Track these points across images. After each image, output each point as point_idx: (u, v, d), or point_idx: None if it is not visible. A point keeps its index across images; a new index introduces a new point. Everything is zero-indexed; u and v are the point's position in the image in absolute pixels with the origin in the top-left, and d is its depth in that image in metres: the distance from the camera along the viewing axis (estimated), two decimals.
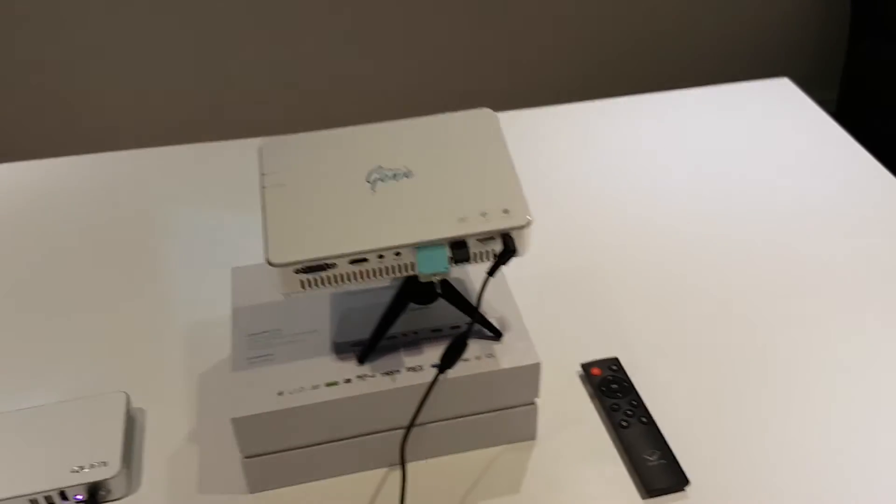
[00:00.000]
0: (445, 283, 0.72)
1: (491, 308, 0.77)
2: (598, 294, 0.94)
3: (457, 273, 0.81)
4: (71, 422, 0.75)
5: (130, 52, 2.17)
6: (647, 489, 0.72)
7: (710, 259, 0.98)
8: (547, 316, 0.91)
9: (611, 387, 0.81)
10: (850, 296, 0.92)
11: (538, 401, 0.76)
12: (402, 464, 0.64)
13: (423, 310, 0.77)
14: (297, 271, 0.64)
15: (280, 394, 0.69)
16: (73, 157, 1.18)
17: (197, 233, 1.03)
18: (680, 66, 2.49)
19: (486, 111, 0.75)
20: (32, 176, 1.14)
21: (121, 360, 0.87)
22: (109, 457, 0.72)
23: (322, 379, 0.70)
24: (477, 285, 0.80)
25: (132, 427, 0.79)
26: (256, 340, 0.74)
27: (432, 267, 0.64)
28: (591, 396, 0.82)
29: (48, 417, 0.76)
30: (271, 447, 0.70)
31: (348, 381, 0.70)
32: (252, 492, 0.73)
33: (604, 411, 0.80)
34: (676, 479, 0.73)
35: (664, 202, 1.07)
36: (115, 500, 0.73)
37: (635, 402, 0.79)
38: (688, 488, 0.73)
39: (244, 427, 0.68)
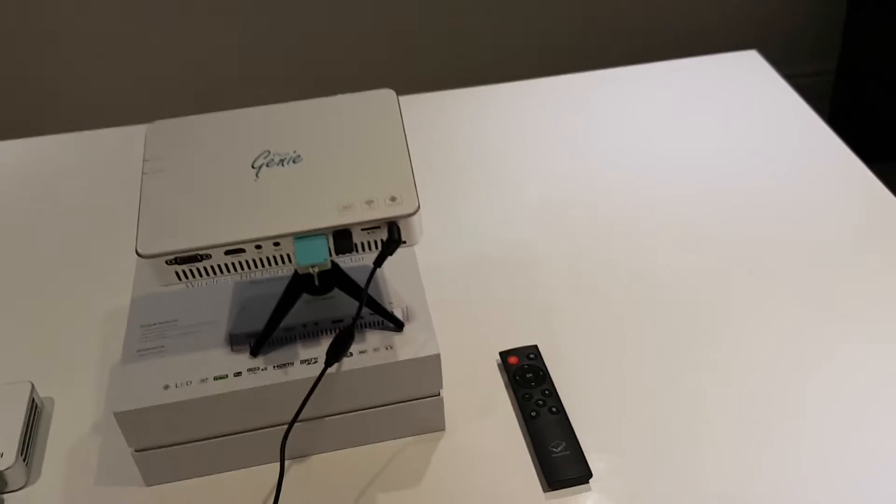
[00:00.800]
0: (339, 273, 0.70)
1: (397, 297, 0.75)
2: (525, 280, 0.91)
3: (355, 262, 0.78)
4: None
5: (111, 26, 2.15)
6: (549, 481, 0.70)
7: (647, 243, 0.95)
8: (471, 302, 0.89)
9: (526, 376, 0.79)
10: (786, 286, 0.88)
11: (450, 390, 0.74)
12: (282, 461, 0.63)
13: (326, 300, 0.75)
14: (170, 262, 0.62)
15: (166, 387, 0.68)
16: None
17: (128, 218, 1.02)
18: (667, 38, 2.42)
19: (387, 92, 0.72)
20: None
21: (36, 347, 0.86)
22: (6, 447, 0.72)
23: (212, 372, 0.69)
24: (388, 274, 0.78)
25: (37, 417, 0.78)
26: (150, 331, 0.73)
27: (311, 258, 0.62)
28: (507, 385, 0.80)
29: None
30: (159, 441, 0.69)
31: (238, 374, 0.69)
32: (148, 485, 0.72)
33: (516, 401, 0.77)
34: (579, 471, 0.70)
35: (606, 183, 1.03)
36: (12, 491, 0.72)
37: (548, 392, 0.77)
38: (592, 481, 0.71)
39: (127, 421, 0.67)
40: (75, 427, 0.78)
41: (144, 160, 0.67)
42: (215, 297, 0.76)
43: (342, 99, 0.72)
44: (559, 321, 0.86)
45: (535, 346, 0.82)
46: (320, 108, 0.71)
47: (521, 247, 0.96)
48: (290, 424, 0.64)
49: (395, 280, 0.77)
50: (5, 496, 0.71)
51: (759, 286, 0.88)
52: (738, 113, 1.13)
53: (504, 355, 0.81)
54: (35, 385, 0.80)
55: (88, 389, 0.81)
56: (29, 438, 0.75)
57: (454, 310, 0.88)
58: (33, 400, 0.77)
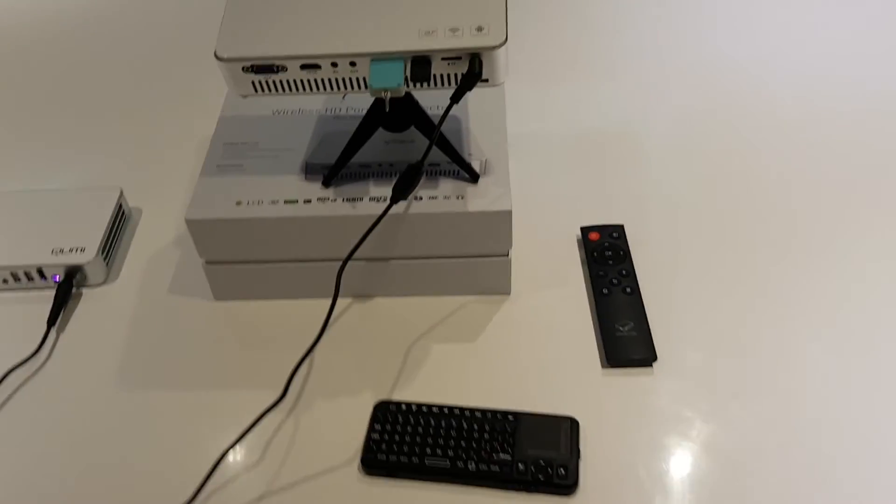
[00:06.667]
0: (414, 106, 0.67)
1: (478, 149, 0.72)
2: (620, 160, 0.85)
3: (450, 116, 0.75)
4: (64, 208, 0.78)
5: None
6: (609, 358, 0.66)
7: (759, 142, 0.86)
8: (559, 174, 0.84)
9: (605, 254, 0.74)
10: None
11: (522, 257, 0.70)
12: (336, 290, 0.62)
13: (405, 143, 0.72)
14: (246, 70, 0.60)
15: (238, 203, 0.68)
16: None
17: None
18: None
19: None
20: None
21: (133, 159, 0.89)
22: (89, 244, 0.75)
23: (283, 195, 0.68)
24: (472, 125, 0.74)
25: (123, 222, 0.81)
26: (232, 149, 0.73)
27: (385, 81, 0.59)
28: (583, 262, 0.76)
29: (44, 202, 0.79)
30: (228, 256, 0.70)
31: (308, 201, 0.68)
32: (216, 299, 0.74)
33: (590, 278, 0.73)
34: (643, 353, 0.66)
35: (728, 74, 0.94)
36: (91, 286, 0.76)
37: (625, 272, 0.72)
38: (655, 365, 0.66)
39: (198, 230, 0.68)
40: (158, 238, 0.80)
41: None
42: (298, 127, 0.75)
43: None
44: (651, 205, 0.80)
45: (621, 226, 0.77)
46: None
47: (621, 125, 0.89)
48: (350, 254, 0.63)
49: (479, 132, 0.73)
50: (84, 290, 0.75)
51: (874, 206, 0.78)
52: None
53: (585, 231, 0.77)
54: (125, 193, 0.82)
55: (176, 204, 0.84)
56: (113, 240, 0.78)
57: (540, 179, 0.83)
58: (120, 205, 0.80)
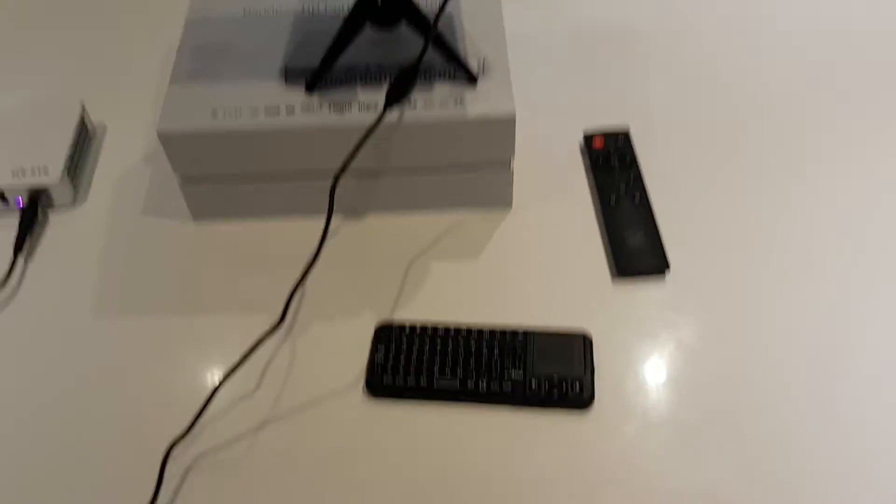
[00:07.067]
0: (406, 1, 0.60)
1: (474, 47, 0.66)
2: (625, 60, 0.80)
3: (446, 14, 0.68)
4: (20, 126, 0.71)
5: None
6: (619, 269, 0.63)
7: (768, 41, 0.81)
8: (560, 76, 0.79)
9: (610, 161, 0.70)
10: None
11: (522, 168, 0.66)
12: (330, 207, 0.57)
13: (393, 41, 0.66)
14: None
15: (214, 113, 0.62)
16: None
17: None
18: None
19: None
20: None
21: (92, 70, 0.81)
22: (52, 164, 0.69)
23: (263, 103, 0.62)
24: (466, 22, 0.68)
25: (87, 139, 0.74)
26: (202, 54, 0.66)
27: None
28: (587, 169, 0.71)
29: None
30: (205, 171, 0.64)
31: (291, 110, 0.62)
32: (195, 219, 0.69)
33: (595, 187, 0.69)
34: (654, 263, 0.63)
35: None
36: (57, 210, 0.70)
37: (633, 179, 0.68)
38: (666, 274, 0.63)
39: (172, 144, 0.62)
40: (127, 155, 0.74)
41: None
42: (273, 28, 0.68)
43: None
44: (658, 107, 0.76)
45: (627, 131, 0.72)
46: None
47: (627, 25, 0.83)
48: (342, 168, 0.58)
49: (475, 29, 0.67)
50: (51, 214, 0.69)
51: (882, 119, 0.75)
52: None
53: (589, 137, 0.72)
54: (87, 107, 0.76)
55: (144, 118, 0.77)
56: (78, 159, 0.72)
57: (539, 82, 0.78)
58: (83, 120, 0.73)
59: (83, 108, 0.73)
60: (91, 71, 0.82)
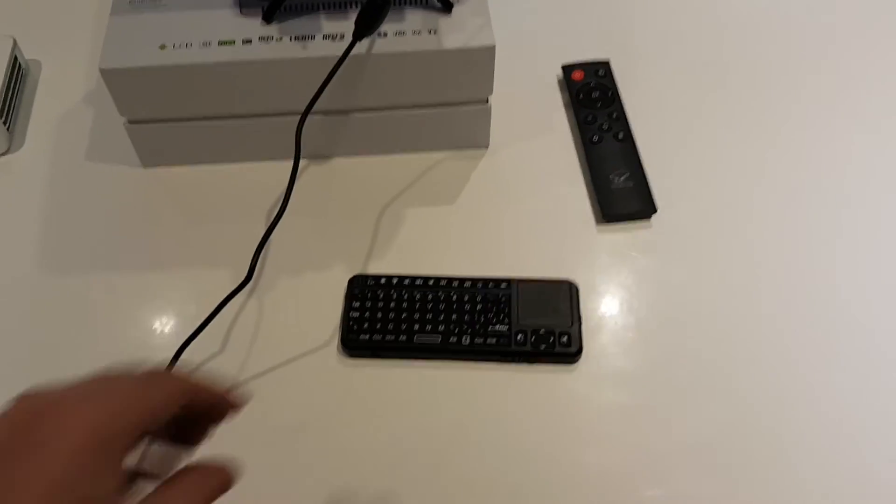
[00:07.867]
0: None
1: None
2: None
3: None
4: None
5: None
6: (605, 213, 0.60)
7: None
8: (538, 3, 0.73)
9: (591, 95, 0.66)
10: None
11: (498, 105, 0.61)
12: (297, 152, 0.52)
13: None
14: None
15: (162, 47, 0.56)
16: None
17: None
18: None
19: None
20: None
21: (21, 3, 0.73)
22: None
23: (216, 35, 0.56)
24: None
25: (21, 79, 0.67)
26: None
27: None
28: (567, 105, 0.67)
29: None
30: (154, 113, 0.59)
31: (248, 41, 0.56)
32: (144, 165, 0.63)
33: (576, 124, 0.65)
34: (641, 206, 0.60)
35: None
36: None
37: (616, 115, 0.65)
38: (653, 218, 0.60)
39: (116, 82, 0.56)
40: (65, 95, 0.67)
41: None
42: None
43: None
44: (639, 36, 0.71)
45: (607, 62, 0.68)
46: None
47: None
48: (308, 108, 0.53)
49: None
50: None
51: (862, 52, 0.72)
52: None
53: (567, 70, 0.68)
54: (18, 43, 0.68)
55: (83, 54, 0.70)
56: (11, 101, 0.65)
57: (512, 10, 0.73)
58: (16, 58, 0.66)
59: (14, 44, 0.66)
60: (20, 3, 0.74)
